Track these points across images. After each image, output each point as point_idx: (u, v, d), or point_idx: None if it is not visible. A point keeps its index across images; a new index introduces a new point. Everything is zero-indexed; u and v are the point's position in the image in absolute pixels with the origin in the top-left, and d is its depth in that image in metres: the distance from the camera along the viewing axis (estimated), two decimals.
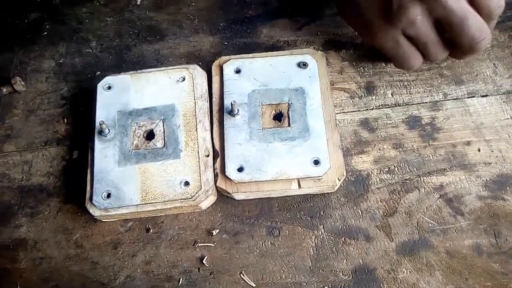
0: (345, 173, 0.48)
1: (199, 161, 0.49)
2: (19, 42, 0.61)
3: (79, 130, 0.55)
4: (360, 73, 0.56)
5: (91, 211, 0.48)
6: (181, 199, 0.47)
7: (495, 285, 0.45)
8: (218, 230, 0.49)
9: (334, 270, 0.46)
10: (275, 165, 0.48)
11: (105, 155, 0.50)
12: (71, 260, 0.48)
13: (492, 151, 0.50)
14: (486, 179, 0.49)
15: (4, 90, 0.57)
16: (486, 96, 0.53)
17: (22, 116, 0.56)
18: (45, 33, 0.62)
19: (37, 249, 0.49)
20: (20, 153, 0.54)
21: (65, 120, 0.56)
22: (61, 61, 0.59)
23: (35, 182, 0.52)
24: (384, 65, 0.56)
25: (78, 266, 0.48)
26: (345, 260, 0.47)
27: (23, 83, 0.57)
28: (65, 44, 0.61)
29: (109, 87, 0.53)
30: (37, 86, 0.58)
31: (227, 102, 0.52)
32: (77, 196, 0.51)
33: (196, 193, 0.48)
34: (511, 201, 0.48)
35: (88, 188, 0.49)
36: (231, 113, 0.51)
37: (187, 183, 0.48)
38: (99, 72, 0.58)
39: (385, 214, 0.48)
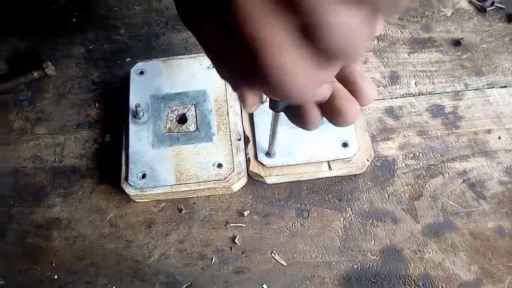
0: (373, 154, 0.50)
1: (231, 145, 0.50)
2: (48, 29, 0.62)
3: (111, 114, 0.56)
4: (384, 63, 0.58)
5: (126, 190, 0.49)
6: (214, 180, 0.49)
7: None
8: (249, 211, 0.50)
9: (363, 250, 0.48)
10: (305, 149, 0.50)
11: (139, 137, 0.51)
12: (106, 238, 0.49)
13: None
14: (507, 165, 0.51)
15: (35, 74, 0.58)
16: (505, 87, 0.56)
17: (53, 100, 0.57)
18: (74, 20, 0.63)
19: (71, 228, 0.50)
20: (52, 136, 0.55)
21: (97, 104, 0.57)
22: (90, 48, 0.61)
23: (67, 164, 0.53)
24: (408, 56, 0.58)
25: (113, 244, 0.49)
26: (373, 241, 0.48)
27: (53, 67, 0.58)
28: (94, 31, 0.62)
29: (142, 72, 0.54)
30: (67, 71, 0.59)
31: None
32: (110, 178, 0.52)
33: (229, 174, 0.49)
34: None
35: (123, 168, 0.50)
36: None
37: (220, 165, 0.49)
38: (128, 59, 0.59)
39: (411, 197, 0.50)
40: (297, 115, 0.31)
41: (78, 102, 0.57)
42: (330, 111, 0.29)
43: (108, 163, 0.53)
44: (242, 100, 0.31)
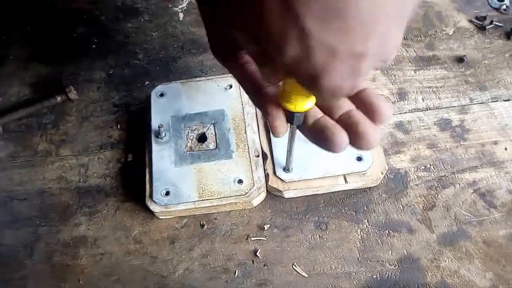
0: (386, 167, 0.52)
1: (250, 161, 0.53)
2: (69, 55, 0.65)
3: (133, 135, 0.58)
4: (392, 80, 0.61)
5: (151, 207, 0.51)
6: (235, 196, 0.51)
7: None
8: (269, 225, 0.52)
9: (381, 260, 0.49)
10: (321, 164, 0.52)
11: (162, 156, 0.53)
12: (131, 255, 0.51)
13: None
14: None
15: (59, 98, 0.60)
16: (508, 100, 0.58)
17: (76, 122, 0.60)
18: (94, 46, 0.66)
19: (97, 245, 0.52)
20: (76, 157, 0.57)
21: (118, 126, 0.59)
22: (111, 72, 0.63)
23: (92, 184, 0.55)
24: (414, 73, 0.61)
25: (139, 260, 0.51)
26: (390, 251, 0.50)
27: (75, 92, 0.61)
28: (114, 57, 0.65)
29: (162, 94, 0.57)
30: (89, 95, 0.62)
31: None
32: (134, 196, 0.54)
33: (250, 189, 0.51)
34: None
35: (147, 186, 0.52)
36: None
37: (240, 181, 0.51)
38: (148, 82, 0.62)
39: (424, 208, 0.52)
40: (324, 137, 0.33)
41: (101, 124, 0.59)
42: (356, 136, 0.31)
43: (131, 182, 0.55)
44: (272, 126, 0.34)
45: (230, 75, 0.58)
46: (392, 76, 0.61)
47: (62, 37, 0.67)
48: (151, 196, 0.51)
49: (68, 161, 0.57)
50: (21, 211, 0.54)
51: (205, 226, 0.52)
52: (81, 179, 0.56)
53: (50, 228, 0.53)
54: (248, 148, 0.54)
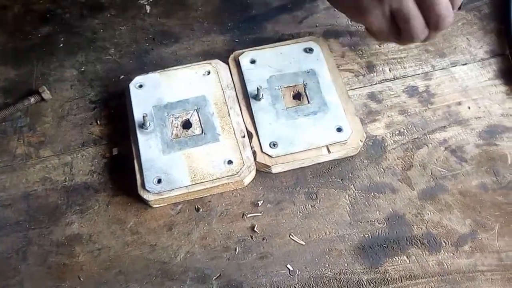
0: (365, 135, 0.55)
1: (237, 142, 0.54)
2: (36, 56, 0.63)
3: (114, 129, 0.58)
4: (360, 55, 0.64)
5: (145, 196, 0.51)
6: (227, 176, 0.52)
7: (502, 214, 0.53)
8: (262, 201, 0.54)
9: (370, 221, 0.53)
10: (305, 137, 0.55)
11: (149, 145, 0.53)
12: (130, 246, 0.51)
13: (480, 108, 0.60)
14: (479, 130, 0.58)
15: (32, 99, 0.59)
16: (466, 64, 0.63)
17: (53, 122, 0.59)
18: (61, 45, 0.65)
19: (93, 241, 0.51)
20: (58, 157, 0.56)
21: (98, 121, 0.59)
22: (82, 69, 0.62)
23: (79, 181, 0.55)
24: (379, 46, 0.65)
25: (138, 251, 0.51)
26: (377, 211, 0.53)
27: (48, 92, 0.59)
28: (83, 54, 0.64)
29: (141, 86, 0.57)
30: (62, 94, 0.61)
31: (250, 89, 0.58)
32: (124, 189, 0.54)
33: (240, 169, 0.52)
34: (502, 145, 0.57)
35: (138, 177, 0.52)
36: (257, 97, 0.57)
37: (230, 162, 0.53)
38: (122, 76, 0.62)
39: (403, 168, 0.56)
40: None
41: (79, 121, 0.59)
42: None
43: (120, 175, 0.55)
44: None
45: (207, 61, 0.60)
46: (360, 51, 0.64)
47: (26, 38, 0.65)
48: (143, 186, 0.51)
49: (50, 162, 0.56)
50: (7, 217, 0.53)
51: (200, 210, 0.53)
52: (67, 178, 0.55)
53: (41, 230, 0.52)
54: (234, 130, 0.55)
